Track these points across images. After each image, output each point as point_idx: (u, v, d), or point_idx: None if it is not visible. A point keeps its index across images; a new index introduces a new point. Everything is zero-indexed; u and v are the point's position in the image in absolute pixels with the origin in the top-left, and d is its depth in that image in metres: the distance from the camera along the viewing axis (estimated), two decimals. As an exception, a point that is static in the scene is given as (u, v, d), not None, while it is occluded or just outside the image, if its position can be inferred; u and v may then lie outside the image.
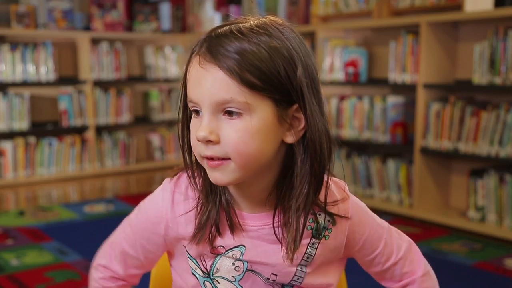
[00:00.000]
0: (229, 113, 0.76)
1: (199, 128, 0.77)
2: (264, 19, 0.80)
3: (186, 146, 0.85)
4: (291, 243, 0.83)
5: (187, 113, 0.84)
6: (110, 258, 0.96)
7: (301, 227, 0.82)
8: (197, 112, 0.80)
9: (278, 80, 0.76)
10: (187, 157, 0.86)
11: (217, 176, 0.79)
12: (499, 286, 2.33)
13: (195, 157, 0.84)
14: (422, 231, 3.02)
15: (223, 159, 0.78)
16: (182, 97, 0.84)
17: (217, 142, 0.77)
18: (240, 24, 0.79)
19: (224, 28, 0.79)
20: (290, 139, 0.80)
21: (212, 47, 0.77)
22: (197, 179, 0.86)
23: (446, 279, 2.40)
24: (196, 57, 0.79)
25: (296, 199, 0.81)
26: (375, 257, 0.93)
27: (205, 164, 0.80)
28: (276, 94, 0.77)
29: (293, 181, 0.82)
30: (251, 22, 0.79)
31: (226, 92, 0.75)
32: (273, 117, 0.77)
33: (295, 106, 0.79)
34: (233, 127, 0.76)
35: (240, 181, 0.80)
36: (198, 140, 0.78)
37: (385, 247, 0.93)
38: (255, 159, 0.78)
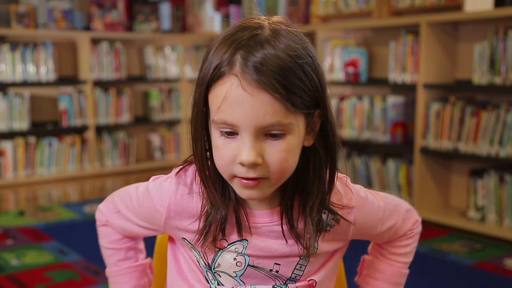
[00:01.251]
0: (272, 134, 0.76)
1: (242, 151, 0.75)
2: (277, 24, 0.79)
3: (203, 158, 0.83)
4: (308, 240, 0.84)
5: (203, 122, 0.81)
6: (110, 212, 0.98)
7: (315, 225, 0.84)
8: (229, 133, 0.77)
9: (313, 94, 0.78)
10: (204, 167, 0.83)
11: (252, 194, 0.79)
12: (499, 286, 2.33)
13: (204, 162, 0.83)
14: (422, 231, 2.99)
15: (261, 177, 0.78)
16: (204, 117, 0.81)
17: (260, 164, 0.76)
18: (264, 34, 0.76)
19: (252, 41, 0.75)
20: (309, 142, 0.82)
21: (253, 66, 0.74)
22: (207, 182, 0.85)
23: (446, 279, 2.40)
24: (233, 78, 0.75)
25: (311, 198, 0.83)
26: (377, 237, 0.98)
27: (235, 183, 0.80)
28: (311, 108, 0.78)
29: (307, 180, 0.83)
30: (268, 29, 0.77)
31: (273, 116, 0.74)
32: (304, 129, 0.79)
33: (317, 112, 0.80)
34: (276, 148, 0.76)
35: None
36: (242, 164, 0.76)
37: (386, 226, 0.97)
38: (290, 172, 0.80)
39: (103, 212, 1.00)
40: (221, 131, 0.78)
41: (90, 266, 2.49)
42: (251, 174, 0.76)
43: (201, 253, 0.89)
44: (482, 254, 2.70)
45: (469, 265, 2.54)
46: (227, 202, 0.84)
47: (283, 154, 0.76)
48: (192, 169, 0.88)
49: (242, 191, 0.80)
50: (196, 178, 0.87)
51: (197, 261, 0.91)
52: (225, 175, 0.80)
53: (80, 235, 3.00)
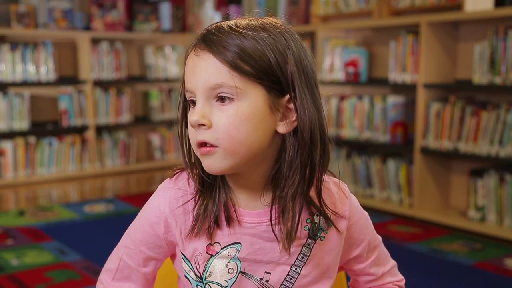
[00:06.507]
0: (222, 99, 0.79)
1: (192, 113, 0.80)
2: (263, 19, 0.83)
3: (185, 141, 0.87)
4: (287, 235, 0.83)
5: (187, 109, 0.86)
6: (112, 277, 0.94)
7: (296, 218, 0.83)
8: (193, 102, 0.82)
9: (269, 68, 0.78)
10: (185, 152, 0.87)
11: (209, 163, 0.81)
12: (499, 286, 2.33)
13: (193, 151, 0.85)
14: (422, 231, 3.02)
15: (213, 146, 0.79)
16: (182, 92, 0.85)
17: (209, 127, 0.78)
18: (237, 21, 0.82)
19: (221, 22, 0.83)
20: (282, 129, 0.81)
21: (206, 36, 0.81)
22: (196, 173, 0.87)
23: (446, 279, 2.40)
24: (192, 48, 0.83)
25: (288, 189, 0.82)
26: (370, 266, 0.96)
27: (198, 152, 0.82)
28: (267, 82, 0.79)
29: (285, 172, 0.82)
30: (247, 20, 0.82)
31: (217, 77, 0.78)
32: (264, 104, 0.79)
33: (287, 97, 0.80)
34: (224, 112, 0.78)
35: (234, 170, 0.81)
36: (192, 126, 0.80)
37: (378, 257, 0.96)
38: (245, 146, 0.79)
39: (105, 280, 0.95)
40: (190, 104, 0.83)
41: (90, 266, 2.49)
42: (200, 136, 0.79)
43: (193, 264, 0.88)
44: (482, 254, 2.70)
45: (469, 265, 2.54)
46: (215, 193, 0.86)
47: (231, 120, 0.78)
48: (183, 175, 0.90)
49: (203, 162, 0.82)
50: (189, 181, 0.88)
51: (186, 276, 0.89)
52: (193, 146, 0.83)
53: (80, 235, 3.00)
